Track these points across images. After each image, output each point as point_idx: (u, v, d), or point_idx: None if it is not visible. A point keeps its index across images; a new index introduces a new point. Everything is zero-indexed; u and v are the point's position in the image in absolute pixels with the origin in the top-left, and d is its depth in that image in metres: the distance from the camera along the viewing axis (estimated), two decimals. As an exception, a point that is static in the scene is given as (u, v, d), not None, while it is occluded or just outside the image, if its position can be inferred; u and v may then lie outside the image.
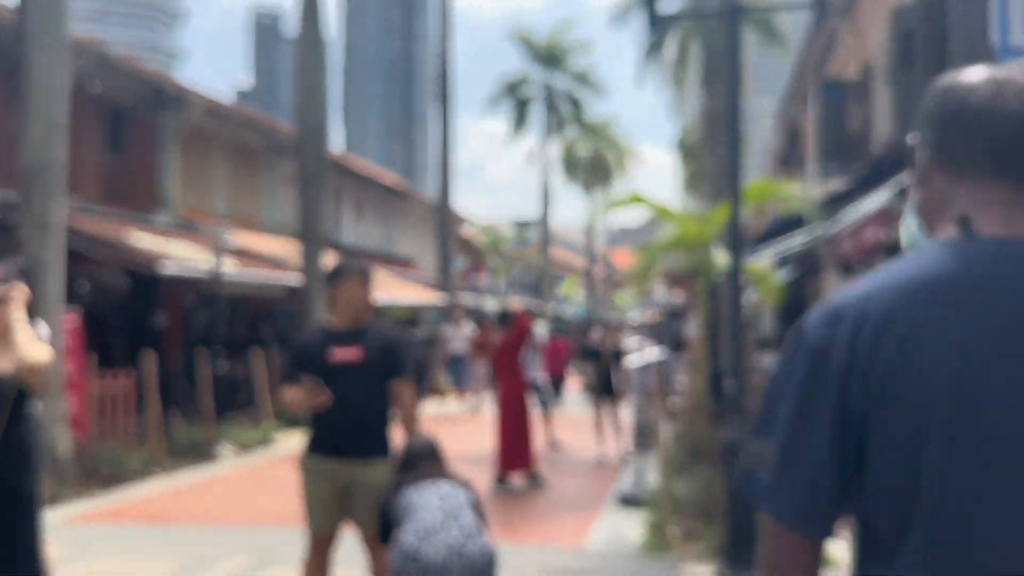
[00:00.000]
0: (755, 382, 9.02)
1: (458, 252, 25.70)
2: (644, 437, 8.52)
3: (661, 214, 8.28)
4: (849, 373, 1.14)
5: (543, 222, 37.02)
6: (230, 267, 12.56)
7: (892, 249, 9.73)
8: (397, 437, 4.05)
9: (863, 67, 14.88)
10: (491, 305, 28.08)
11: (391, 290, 17.80)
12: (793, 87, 21.63)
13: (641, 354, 10.24)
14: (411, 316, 20.48)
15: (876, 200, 10.02)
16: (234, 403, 12.74)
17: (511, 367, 8.85)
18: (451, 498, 3.51)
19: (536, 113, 35.61)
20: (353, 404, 3.94)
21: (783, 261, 14.29)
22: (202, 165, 16.32)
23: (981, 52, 9.38)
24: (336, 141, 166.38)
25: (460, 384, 16.73)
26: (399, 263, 24.44)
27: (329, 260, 14.53)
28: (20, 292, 3.65)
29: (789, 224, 15.06)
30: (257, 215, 18.21)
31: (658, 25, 12.48)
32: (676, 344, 13.59)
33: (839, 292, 1.22)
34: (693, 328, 18.34)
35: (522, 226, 40.75)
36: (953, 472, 1.10)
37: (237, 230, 14.93)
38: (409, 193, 26.96)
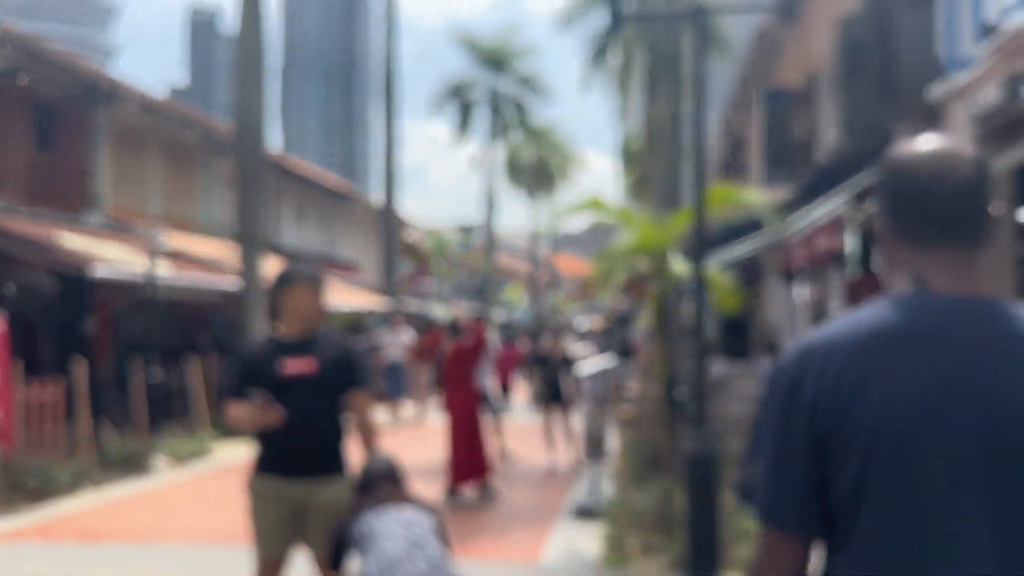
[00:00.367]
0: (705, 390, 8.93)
1: (402, 256, 25.35)
2: (595, 446, 8.38)
3: (622, 219, 8.15)
4: (817, 400, 1.37)
5: (488, 227, 36.84)
6: (164, 270, 12.30)
7: (841, 258, 9.76)
8: (354, 452, 3.80)
9: (808, 76, 15.02)
10: (437, 311, 27.78)
11: (333, 295, 17.43)
12: (737, 95, 21.81)
13: (592, 361, 10.10)
14: (354, 322, 20.09)
15: (827, 208, 10.04)
16: (169, 412, 12.40)
17: (463, 376, 8.63)
18: (415, 525, 3.27)
19: (481, 117, 35.47)
20: (307, 420, 3.67)
21: (726, 268, 14.33)
22: (135, 164, 15.79)
23: (928, 63, 9.49)
24: (274, 141, 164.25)
25: (394, 394, 16.24)
26: (342, 267, 24.03)
27: (269, 264, 14.17)
28: None
29: (734, 232, 15.13)
30: (193, 216, 17.70)
31: (619, 25, 12.40)
32: (624, 351, 13.51)
33: (812, 333, 1.45)
34: (641, 334, 18.32)
35: (466, 231, 40.50)
36: (890, 490, 1.33)
37: (172, 232, 14.52)
38: (352, 195, 26.56)
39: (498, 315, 32.86)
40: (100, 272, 10.92)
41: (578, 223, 66.03)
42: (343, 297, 18.26)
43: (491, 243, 36.92)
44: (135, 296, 12.84)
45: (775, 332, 15.09)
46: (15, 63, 12.24)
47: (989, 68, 7.29)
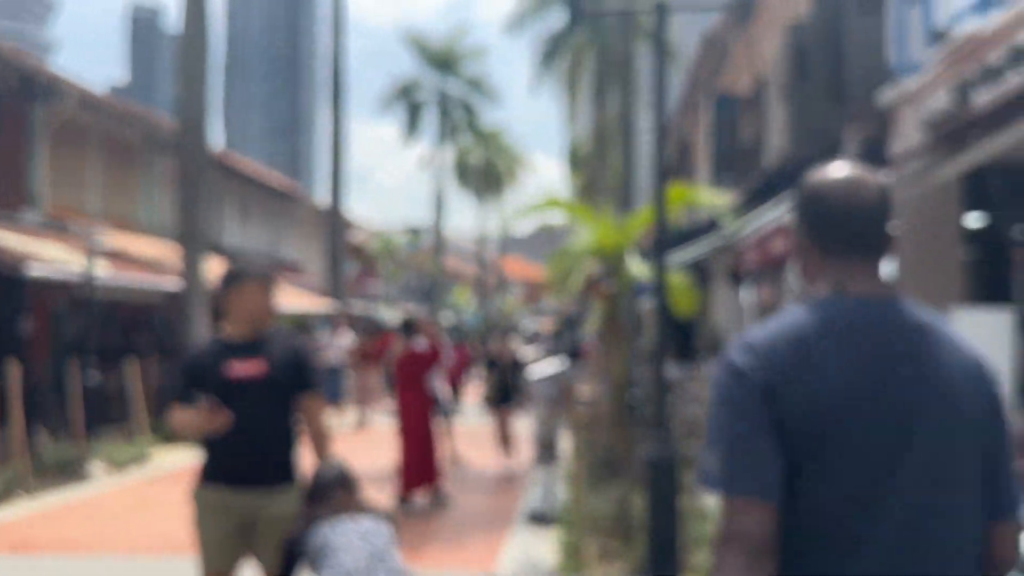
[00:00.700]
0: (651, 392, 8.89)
1: (348, 258, 24.99)
2: (547, 450, 8.27)
3: (584, 217, 8.05)
4: (766, 388, 1.55)
5: (436, 228, 36.59)
6: (103, 270, 11.95)
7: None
8: (305, 458, 3.62)
9: (756, 81, 15.14)
10: (385, 313, 27.46)
11: (278, 296, 17.08)
12: (684, 100, 21.95)
13: (542, 364, 9.99)
14: (298, 324, 19.73)
15: (775, 213, 10.10)
16: (107, 417, 12.03)
17: (415, 379, 8.45)
18: (375, 536, 3.11)
19: (429, 118, 35.26)
20: (256, 425, 3.49)
21: (678, 271, 14.35)
22: (74, 161, 15.30)
23: (877, 68, 9.58)
24: (217, 140, 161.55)
25: (332, 398, 15.92)
26: (286, 268, 23.64)
27: (211, 264, 13.82)
28: None
29: (683, 235, 15.18)
30: (133, 215, 17.22)
31: (579, 19, 12.36)
32: (574, 353, 13.44)
33: (750, 332, 1.63)
34: (591, 337, 18.28)
35: (414, 232, 40.19)
36: (821, 467, 1.51)
37: (111, 231, 14.09)
38: (297, 195, 26.14)
39: (446, 318, 32.65)
40: (36, 271, 10.63)
41: (526, 226, 66.06)
42: (287, 299, 17.93)
43: (439, 245, 36.70)
44: (73, 297, 12.46)
45: (721, 335, 15.17)
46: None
47: (939, 73, 7.36)
